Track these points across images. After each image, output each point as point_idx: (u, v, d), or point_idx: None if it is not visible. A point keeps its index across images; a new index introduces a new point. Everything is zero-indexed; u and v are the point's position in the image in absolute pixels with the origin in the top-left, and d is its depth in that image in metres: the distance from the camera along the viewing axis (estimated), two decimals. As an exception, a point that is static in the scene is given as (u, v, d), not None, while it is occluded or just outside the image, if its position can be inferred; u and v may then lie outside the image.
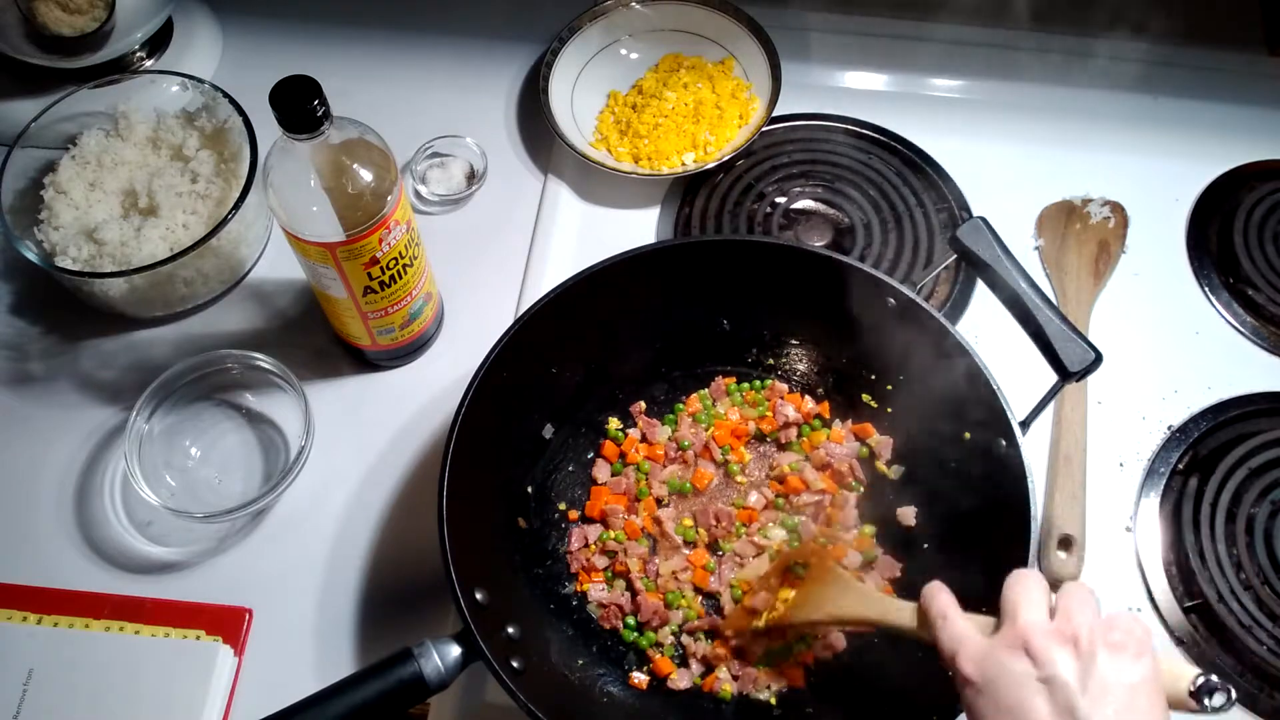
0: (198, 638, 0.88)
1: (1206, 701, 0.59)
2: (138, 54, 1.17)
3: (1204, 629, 0.88)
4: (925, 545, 0.88)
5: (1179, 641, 0.88)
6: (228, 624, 0.89)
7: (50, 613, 0.89)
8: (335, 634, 0.90)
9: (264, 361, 0.96)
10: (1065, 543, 0.90)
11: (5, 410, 1.01)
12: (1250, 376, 1.00)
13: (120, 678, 0.86)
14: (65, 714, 0.85)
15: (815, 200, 1.10)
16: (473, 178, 1.13)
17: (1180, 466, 0.95)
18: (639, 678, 0.87)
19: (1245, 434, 0.95)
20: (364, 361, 1.02)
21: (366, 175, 0.82)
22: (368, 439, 0.99)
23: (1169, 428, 0.97)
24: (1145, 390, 0.99)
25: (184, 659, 0.87)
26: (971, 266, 0.84)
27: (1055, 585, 0.90)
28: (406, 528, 0.94)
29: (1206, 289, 1.05)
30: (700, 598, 0.90)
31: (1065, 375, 0.80)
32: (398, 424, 0.99)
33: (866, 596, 0.79)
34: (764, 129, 1.11)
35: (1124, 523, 0.93)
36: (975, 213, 1.08)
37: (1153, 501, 0.94)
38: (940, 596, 0.68)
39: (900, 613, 0.73)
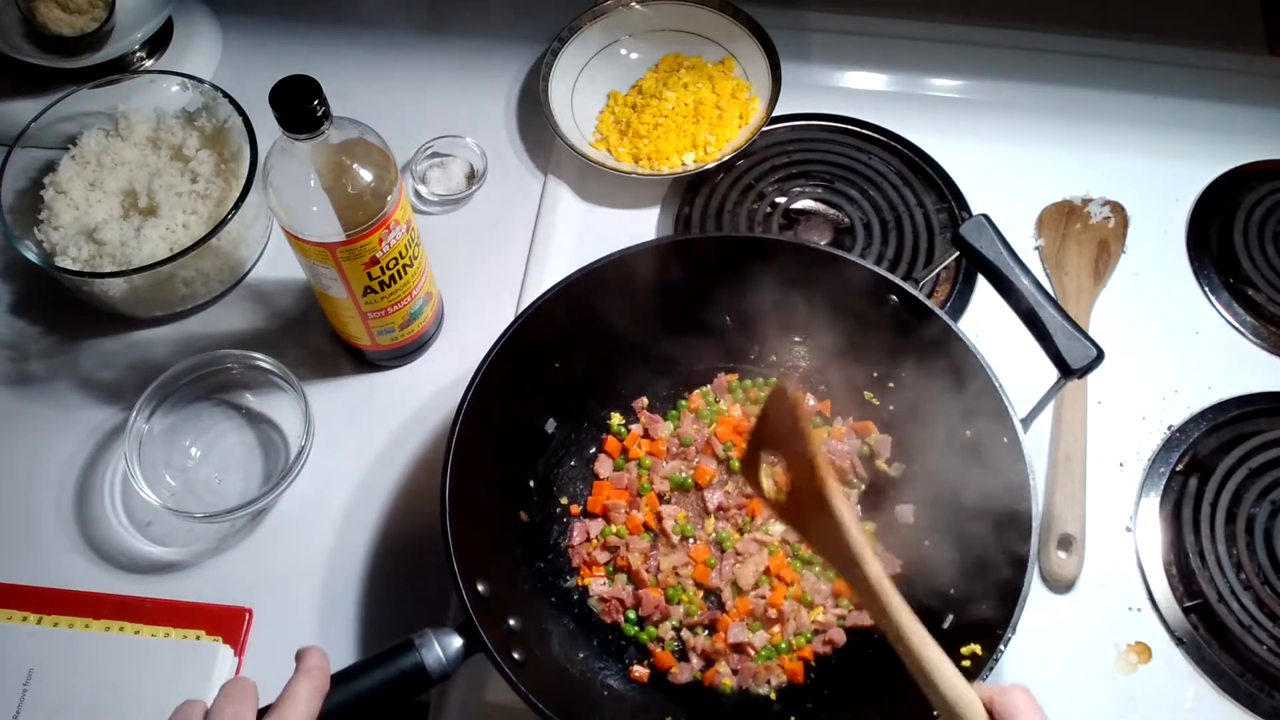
0: (198, 638, 0.88)
1: None
2: (138, 54, 1.17)
3: (1204, 629, 0.88)
4: (925, 543, 0.88)
5: (1179, 641, 0.88)
6: (228, 624, 0.89)
7: (50, 613, 0.89)
8: (336, 633, 0.90)
9: (264, 361, 0.96)
10: (1065, 543, 0.90)
11: (5, 410, 1.01)
12: (1250, 376, 1.00)
13: (120, 678, 0.86)
14: (65, 714, 0.85)
15: (815, 200, 1.10)
16: (473, 178, 1.13)
17: (1180, 466, 0.95)
18: (639, 671, 0.87)
19: (1245, 434, 0.95)
20: (364, 361, 1.02)
21: (366, 175, 0.82)
22: (368, 439, 0.99)
23: (1169, 428, 0.97)
24: (1145, 390, 0.99)
25: (184, 659, 0.87)
26: (974, 264, 0.85)
27: (1057, 586, 0.90)
28: (406, 528, 0.94)
29: (1206, 289, 1.05)
30: (701, 593, 0.90)
31: (1067, 372, 0.80)
32: (398, 424, 0.99)
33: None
34: (764, 129, 1.11)
35: (1124, 523, 0.93)
36: (975, 213, 1.08)
37: (1153, 501, 0.94)
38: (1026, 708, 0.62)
39: (954, 684, 0.63)
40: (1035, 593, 0.90)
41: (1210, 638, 0.88)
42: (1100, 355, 0.80)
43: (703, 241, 0.94)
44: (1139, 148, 1.13)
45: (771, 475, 0.74)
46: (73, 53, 1.10)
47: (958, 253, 0.86)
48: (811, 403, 0.97)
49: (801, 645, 0.87)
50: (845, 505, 0.67)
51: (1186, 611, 0.89)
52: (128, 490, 0.95)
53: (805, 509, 0.70)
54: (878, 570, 0.66)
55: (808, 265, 0.90)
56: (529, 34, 1.22)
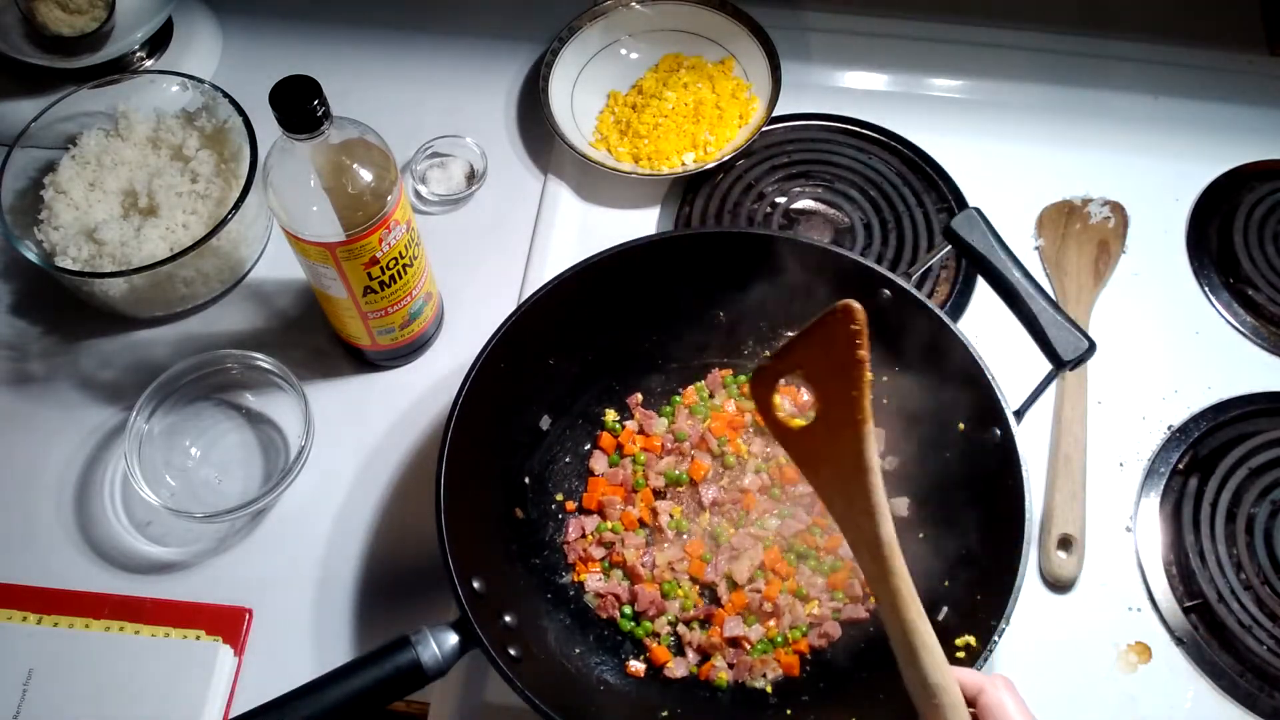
0: (198, 638, 0.88)
1: None
2: (138, 54, 1.17)
3: (1204, 629, 0.88)
4: (920, 535, 0.89)
5: (1179, 641, 0.88)
6: (228, 624, 0.89)
7: (50, 613, 0.89)
8: (335, 633, 0.90)
9: (264, 361, 0.96)
10: (1065, 543, 0.90)
11: (5, 410, 1.01)
12: (1250, 376, 1.00)
13: (120, 678, 0.86)
14: (65, 714, 0.85)
15: (815, 200, 1.10)
16: (473, 178, 1.13)
17: (1180, 466, 0.95)
18: (636, 666, 0.87)
19: (1245, 434, 0.95)
20: (364, 361, 1.02)
21: (366, 175, 0.82)
22: (367, 439, 0.99)
23: (1169, 428, 0.97)
24: (1145, 390, 0.99)
25: (184, 659, 0.87)
26: (965, 257, 0.85)
27: (1057, 586, 0.90)
28: (405, 525, 0.94)
29: (1206, 289, 1.05)
30: (697, 588, 0.90)
31: (1059, 364, 0.80)
32: (397, 424, 0.99)
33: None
34: (764, 129, 1.11)
35: (1124, 523, 0.93)
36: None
37: (1153, 501, 0.94)
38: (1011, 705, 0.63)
39: (934, 659, 0.62)
40: (1035, 593, 0.90)
41: (1210, 638, 0.88)
42: (1092, 346, 0.80)
43: (695, 237, 0.94)
44: (1139, 148, 1.13)
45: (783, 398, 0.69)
46: (73, 53, 1.10)
47: (949, 246, 0.86)
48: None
49: (797, 639, 0.87)
50: (875, 452, 0.64)
51: (1186, 611, 0.89)
52: (128, 490, 0.96)
53: (822, 444, 0.67)
54: (890, 531, 0.64)
55: (799, 260, 0.91)
56: (529, 34, 1.22)
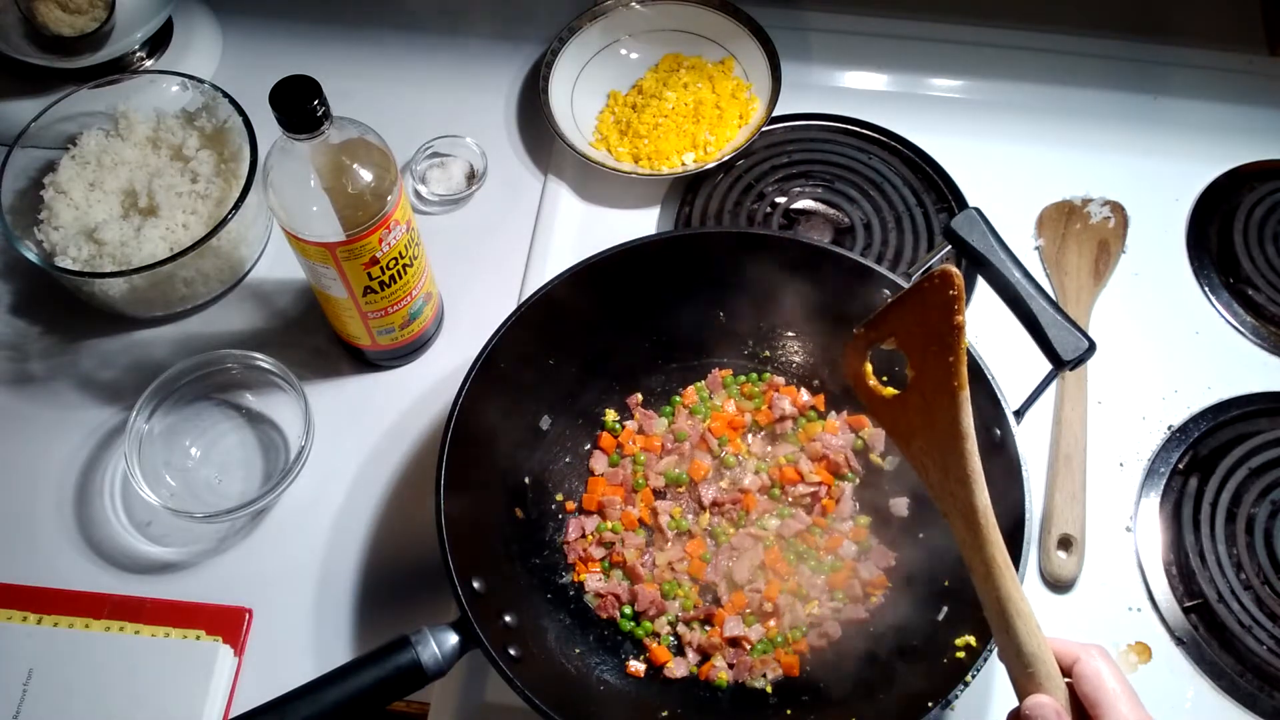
0: (198, 638, 0.88)
1: None
2: (138, 54, 1.17)
3: (1204, 629, 0.88)
4: (920, 535, 0.89)
5: (1179, 641, 0.88)
6: (228, 624, 0.89)
7: (50, 613, 0.89)
8: (335, 633, 0.90)
9: (264, 361, 0.96)
10: (1065, 543, 0.90)
11: (5, 410, 1.01)
12: (1250, 376, 1.00)
13: (120, 678, 0.86)
14: (65, 714, 0.85)
15: (815, 200, 1.10)
16: (473, 178, 1.13)
17: (1180, 466, 0.95)
18: (636, 666, 0.87)
19: (1245, 434, 0.95)
20: (364, 361, 1.02)
21: (366, 175, 0.82)
22: (367, 439, 0.99)
23: (1169, 428, 0.97)
24: (1145, 390, 0.99)
25: (184, 659, 0.87)
26: (965, 257, 0.85)
27: (1057, 586, 0.90)
28: (405, 525, 0.94)
29: (1206, 289, 1.05)
30: (697, 588, 0.90)
31: (1059, 364, 0.80)
32: (397, 424, 0.99)
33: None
34: (764, 129, 1.11)
35: (1124, 523, 0.93)
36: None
37: (1153, 501, 0.94)
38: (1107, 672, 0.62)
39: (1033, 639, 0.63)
40: (1035, 593, 0.90)
41: (1210, 638, 0.88)
42: (1092, 346, 0.80)
43: (695, 237, 0.94)
44: (1139, 148, 1.13)
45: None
46: (73, 53, 1.10)
47: (949, 246, 0.86)
48: (805, 397, 0.97)
49: (797, 639, 0.87)
50: (971, 419, 0.64)
51: (1186, 611, 0.89)
52: (128, 490, 0.96)
53: (916, 413, 0.67)
54: (985, 499, 0.64)
55: (800, 260, 0.91)
56: (529, 34, 1.22)
